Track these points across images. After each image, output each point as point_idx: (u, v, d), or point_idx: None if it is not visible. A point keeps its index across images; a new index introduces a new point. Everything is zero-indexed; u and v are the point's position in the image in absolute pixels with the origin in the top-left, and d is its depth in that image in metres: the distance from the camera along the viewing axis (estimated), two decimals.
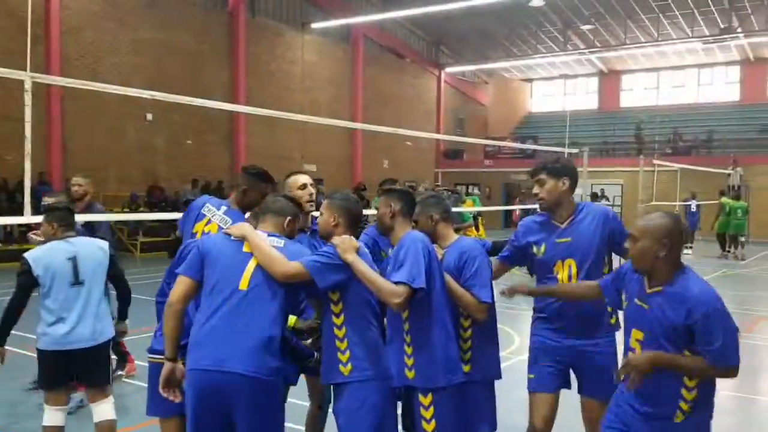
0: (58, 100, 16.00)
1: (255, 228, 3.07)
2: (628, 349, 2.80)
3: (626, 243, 2.80)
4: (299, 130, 22.09)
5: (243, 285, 2.81)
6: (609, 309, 3.38)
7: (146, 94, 5.06)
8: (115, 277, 4.24)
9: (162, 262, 14.77)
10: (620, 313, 3.15)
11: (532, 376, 3.46)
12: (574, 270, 3.36)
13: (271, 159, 22.10)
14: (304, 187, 3.71)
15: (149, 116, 17.96)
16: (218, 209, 3.65)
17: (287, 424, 4.69)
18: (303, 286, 2.94)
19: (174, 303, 2.87)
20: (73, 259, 3.95)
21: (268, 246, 2.90)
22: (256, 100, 20.93)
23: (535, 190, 3.46)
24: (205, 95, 19.73)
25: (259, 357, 2.70)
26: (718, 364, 2.56)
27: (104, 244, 4.19)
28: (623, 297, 2.89)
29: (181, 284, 2.91)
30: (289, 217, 3.05)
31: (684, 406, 2.64)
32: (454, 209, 4.21)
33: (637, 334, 2.73)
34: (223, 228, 3.45)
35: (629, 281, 2.85)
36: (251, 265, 2.86)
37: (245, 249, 2.90)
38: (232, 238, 2.95)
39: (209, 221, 3.60)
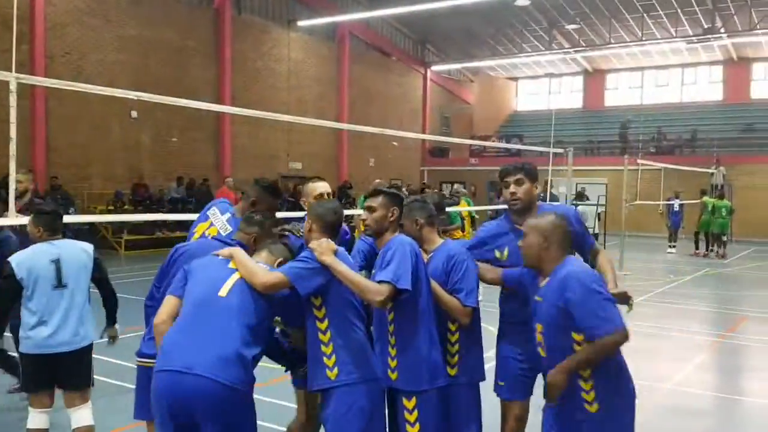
0: (42, 97, 15.83)
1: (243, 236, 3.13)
2: (536, 344, 2.96)
3: (519, 242, 3.04)
4: (285, 127, 22.04)
5: (223, 292, 2.82)
6: None
7: (132, 94, 5.02)
8: (99, 280, 4.19)
9: (147, 260, 14.67)
10: None
11: (502, 383, 3.46)
12: None
13: (257, 157, 22.11)
14: (320, 196, 3.76)
15: (134, 114, 17.82)
16: (223, 215, 3.65)
17: (281, 428, 4.71)
18: (284, 308, 2.96)
19: (160, 324, 2.87)
20: (57, 262, 3.92)
21: (251, 261, 2.94)
22: (242, 98, 20.85)
23: (512, 189, 3.45)
24: (190, 93, 19.67)
25: (231, 366, 2.66)
26: (604, 334, 2.70)
27: (89, 247, 4.15)
28: (527, 294, 3.11)
29: (168, 304, 2.92)
30: (280, 259, 3.08)
31: (587, 396, 2.77)
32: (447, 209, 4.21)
33: (539, 327, 2.94)
34: (222, 233, 3.46)
35: (530, 280, 3.09)
36: (234, 276, 2.88)
37: (231, 265, 2.93)
38: (220, 257, 2.98)
39: (212, 224, 3.61)
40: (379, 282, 2.86)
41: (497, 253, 3.47)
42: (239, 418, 2.71)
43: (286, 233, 3.34)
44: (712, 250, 17.74)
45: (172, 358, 2.67)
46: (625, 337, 2.75)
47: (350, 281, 2.85)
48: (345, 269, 2.86)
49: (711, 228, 17.57)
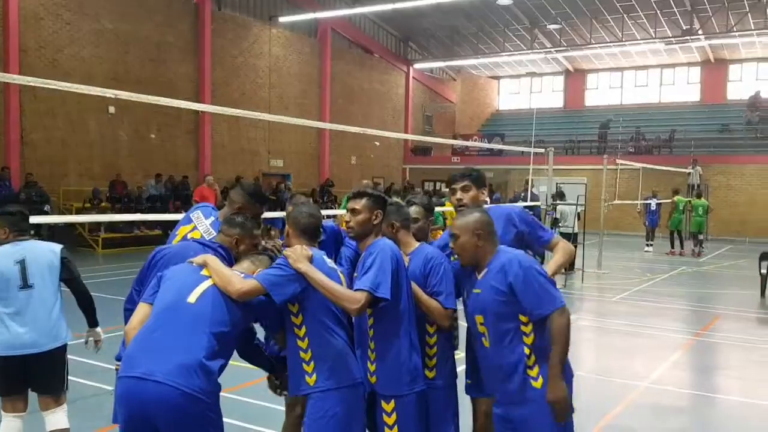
0: (15, 92, 15.58)
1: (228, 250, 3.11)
2: (478, 335, 3.03)
3: (451, 243, 3.11)
4: (266, 124, 21.92)
5: (191, 299, 2.78)
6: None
7: (109, 92, 4.94)
8: (69, 281, 4.08)
9: (125, 258, 14.52)
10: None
11: (470, 381, 3.51)
12: None
13: (238, 154, 21.97)
14: None
15: (111, 109, 17.61)
16: (207, 219, 3.60)
17: (267, 430, 4.69)
18: (259, 311, 2.92)
19: (131, 330, 2.84)
20: (21, 263, 3.86)
21: (226, 269, 2.90)
22: (222, 94, 20.70)
23: (459, 195, 3.54)
24: (169, 88, 19.48)
25: (193, 374, 2.61)
26: (548, 313, 2.83)
27: (56, 247, 4.08)
28: (463, 291, 3.19)
29: (141, 311, 2.89)
30: (260, 269, 3.04)
31: (531, 372, 2.90)
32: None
33: (479, 318, 3.01)
34: (205, 237, 3.44)
35: (464, 276, 3.16)
36: (205, 284, 2.84)
37: (204, 273, 2.89)
38: (194, 264, 2.95)
39: (195, 228, 3.56)
40: (358, 290, 2.85)
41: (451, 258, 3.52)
42: (201, 427, 2.64)
43: (270, 255, 3.27)
44: (694, 249, 17.95)
45: (134, 364, 2.63)
46: (568, 312, 2.90)
47: (325, 289, 2.83)
48: (320, 277, 2.84)
49: (690, 227, 17.83)
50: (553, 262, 3.57)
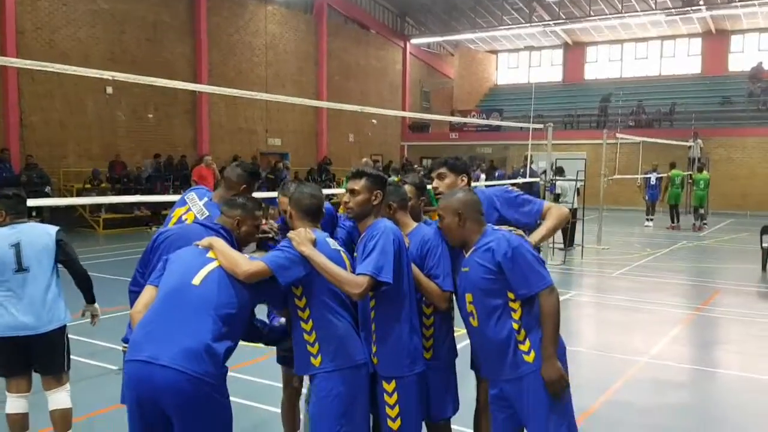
0: (14, 74, 15.49)
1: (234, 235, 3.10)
2: (467, 314, 3.06)
3: (438, 225, 3.15)
4: (263, 103, 21.82)
5: (196, 281, 2.77)
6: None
7: (107, 74, 4.91)
8: (65, 262, 4.09)
9: (125, 239, 14.55)
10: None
11: (473, 357, 3.52)
12: None
13: (235, 133, 21.89)
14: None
15: (109, 90, 17.49)
16: (200, 199, 3.61)
17: (269, 407, 4.75)
18: (264, 293, 2.93)
19: (136, 314, 2.83)
20: (16, 246, 3.87)
21: (232, 250, 2.90)
22: (218, 73, 20.58)
23: (435, 183, 3.59)
24: (166, 68, 19.31)
25: (199, 357, 2.61)
26: (536, 292, 2.87)
27: (52, 229, 4.09)
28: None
29: (147, 293, 2.89)
30: None
31: (523, 347, 2.93)
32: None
33: (469, 297, 3.03)
34: (199, 218, 3.44)
35: (454, 257, 3.18)
36: (211, 265, 2.83)
37: (209, 255, 2.89)
38: (200, 247, 2.94)
39: (189, 209, 3.57)
40: (360, 274, 2.84)
41: None
42: (208, 410, 2.66)
43: (270, 237, 3.26)
44: (695, 224, 17.95)
45: (140, 348, 2.64)
46: (557, 291, 2.92)
47: (327, 273, 2.83)
48: (323, 260, 2.83)
49: (692, 201, 17.80)
50: (542, 227, 3.51)
